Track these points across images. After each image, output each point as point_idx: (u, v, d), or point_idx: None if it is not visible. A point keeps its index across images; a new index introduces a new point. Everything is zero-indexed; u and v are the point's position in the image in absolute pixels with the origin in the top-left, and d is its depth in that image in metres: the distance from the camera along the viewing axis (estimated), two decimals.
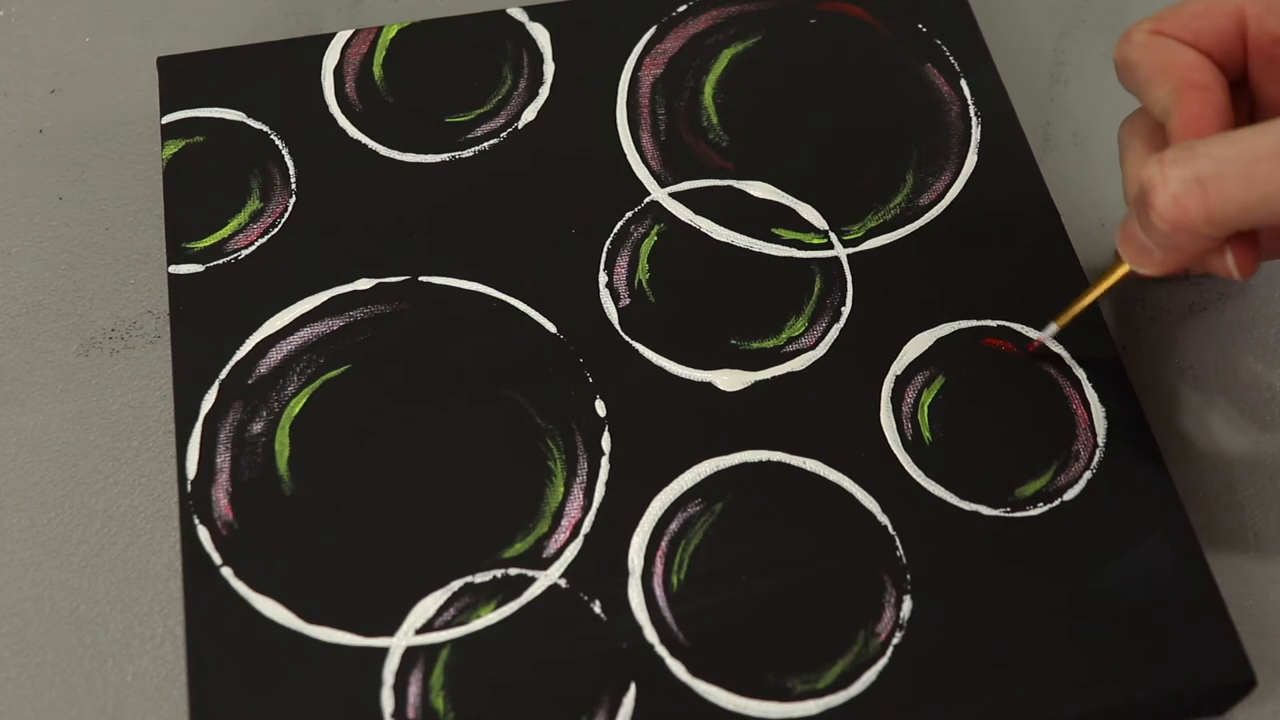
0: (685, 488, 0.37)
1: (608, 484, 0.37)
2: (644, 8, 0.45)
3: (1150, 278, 0.37)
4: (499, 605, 0.35)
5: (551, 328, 0.39)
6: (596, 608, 0.35)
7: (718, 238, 0.41)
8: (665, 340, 0.39)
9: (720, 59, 0.44)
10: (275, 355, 0.38)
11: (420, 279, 0.40)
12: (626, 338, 0.39)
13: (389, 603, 0.35)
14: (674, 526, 0.36)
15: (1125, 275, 0.36)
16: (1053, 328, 0.38)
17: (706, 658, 0.34)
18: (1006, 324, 0.39)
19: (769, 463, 0.37)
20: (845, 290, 0.40)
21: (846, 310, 0.40)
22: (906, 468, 0.37)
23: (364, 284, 0.40)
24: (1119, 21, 0.49)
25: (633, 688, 0.34)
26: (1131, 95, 0.35)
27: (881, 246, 0.41)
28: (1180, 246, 0.32)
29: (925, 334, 0.39)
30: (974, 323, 0.39)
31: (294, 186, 0.41)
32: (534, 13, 0.45)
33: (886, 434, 0.38)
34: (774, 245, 0.41)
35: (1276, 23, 0.33)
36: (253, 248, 0.40)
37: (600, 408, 0.38)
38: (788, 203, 0.41)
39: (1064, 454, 0.37)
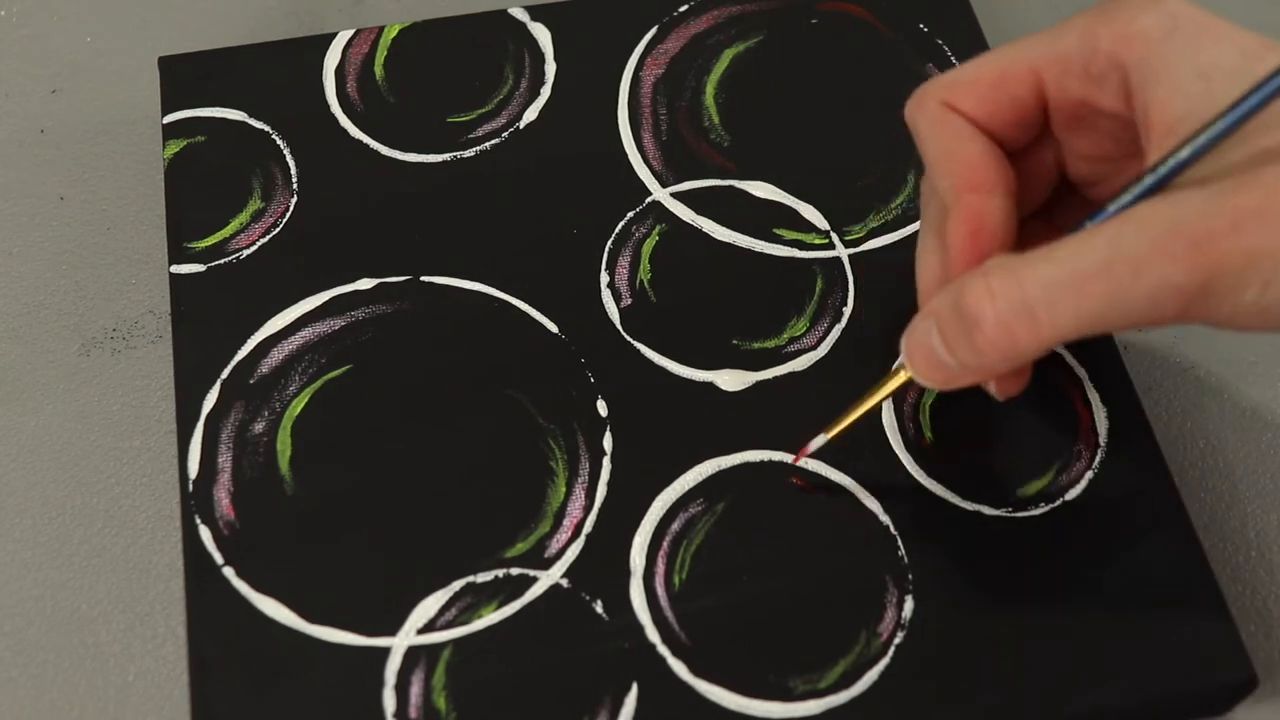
0: (687, 487, 0.37)
1: (609, 484, 0.37)
2: (645, 8, 0.45)
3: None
4: (501, 605, 0.35)
5: (553, 328, 0.39)
6: (598, 607, 0.35)
7: (719, 238, 0.41)
8: (667, 340, 0.39)
9: (722, 59, 0.44)
10: (277, 355, 0.38)
11: (422, 279, 0.40)
12: (628, 338, 0.39)
13: (391, 602, 0.35)
14: (676, 526, 0.36)
15: (904, 384, 0.34)
16: (823, 438, 0.36)
17: (708, 658, 0.34)
18: None
19: (770, 463, 0.37)
20: (847, 290, 0.40)
21: (848, 310, 0.40)
22: (908, 468, 0.37)
23: (365, 284, 0.40)
24: None
25: (635, 687, 0.34)
26: None
27: (883, 246, 0.41)
28: (989, 369, 0.30)
29: None
30: None
31: (295, 186, 0.41)
32: (535, 13, 0.45)
33: (888, 434, 0.38)
34: (775, 245, 0.41)
35: (1078, 84, 0.31)
36: (254, 247, 0.40)
37: (602, 408, 0.38)
38: (789, 203, 0.41)
39: (1065, 454, 0.37)
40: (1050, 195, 0.35)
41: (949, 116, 0.33)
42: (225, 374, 0.38)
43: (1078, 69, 0.31)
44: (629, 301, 0.40)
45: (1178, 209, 0.27)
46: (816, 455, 0.37)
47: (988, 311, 0.29)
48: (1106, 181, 0.34)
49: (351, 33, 0.44)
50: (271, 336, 0.39)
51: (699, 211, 0.41)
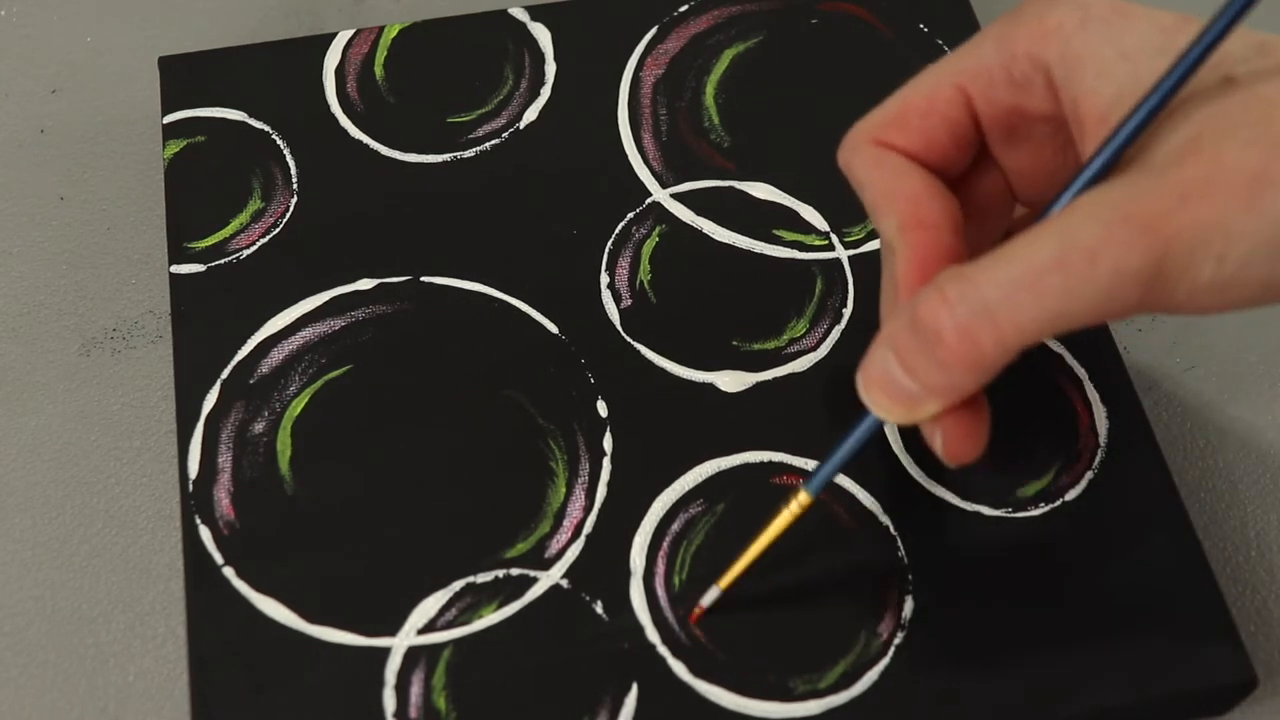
0: (687, 488, 0.37)
1: (609, 484, 0.37)
2: (645, 8, 0.45)
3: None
4: (501, 605, 0.35)
5: (553, 328, 0.39)
6: (598, 608, 0.35)
7: (719, 239, 0.41)
8: (667, 341, 0.39)
9: (722, 59, 0.44)
10: (277, 355, 0.38)
11: (422, 279, 0.40)
12: (628, 338, 0.39)
13: (391, 603, 0.35)
14: (676, 527, 0.36)
15: (792, 523, 0.33)
16: (715, 591, 0.34)
17: (708, 658, 0.34)
18: None
19: (770, 463, 0.37)
20: (846, 292, 0.40)
21: (848, 312, 0.40)
22: (908, 468, 0.37)
23: (365, 284, 0.40)
24: None
25: (635, 688, 0.34)
26: None
27: None
28: (955, 386, 0.29)
29: None
30: None
31: (295, 186, 0.41)
32: (535, 13, 0.45)
33: (888, 434, 0.38)
34: (775, 246, 0.41)
35: (1004, 93, 0.30)
36: (254, 247, 0.40)
37: (602, 408, 0.38)
38: (789, 204, 0.41)
39: (1065, 454, 0.37)
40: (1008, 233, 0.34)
41: (884, 155, 0.32)
42: (225, 374, 0.38)
43: (1001, 77, 0.31)
44: (629, 302, 0.40)
45: (1125, 192, 0.27)
46: (817, 456, 0.37)
47: (946, 320, 0.27)
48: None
49: (351, 33, 0.44)
50: (271, 336, 0.39)
51: (699, 212, 0.41)
